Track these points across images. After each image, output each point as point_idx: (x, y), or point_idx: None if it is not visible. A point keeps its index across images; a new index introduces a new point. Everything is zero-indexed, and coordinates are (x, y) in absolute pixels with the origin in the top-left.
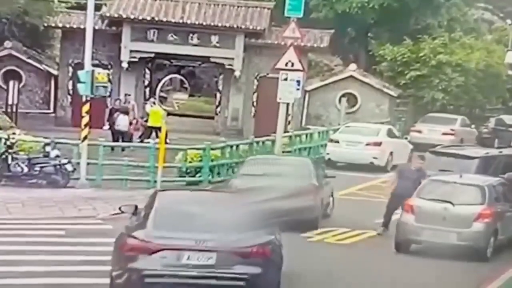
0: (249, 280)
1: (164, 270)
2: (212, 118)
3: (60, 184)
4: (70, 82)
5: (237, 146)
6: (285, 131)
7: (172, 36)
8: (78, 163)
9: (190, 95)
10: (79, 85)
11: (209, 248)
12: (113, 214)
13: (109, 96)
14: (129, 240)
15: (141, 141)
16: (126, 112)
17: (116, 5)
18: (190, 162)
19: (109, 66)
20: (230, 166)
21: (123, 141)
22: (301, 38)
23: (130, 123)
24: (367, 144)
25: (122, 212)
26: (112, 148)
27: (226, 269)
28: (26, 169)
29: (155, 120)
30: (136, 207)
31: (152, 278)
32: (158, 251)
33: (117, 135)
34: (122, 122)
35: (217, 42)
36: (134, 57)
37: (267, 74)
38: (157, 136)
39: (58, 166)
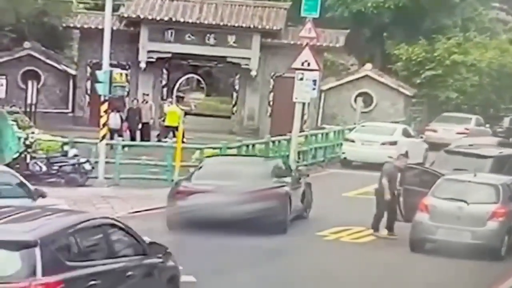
0: (260, 212)
1: (198, 207)
2: (229, 117)
3: (79, 182)
4: (88, 82)
5: (253, 145)
6: (301, 131)
7: (189, 36)
8: (96, 162)
9: (207, 95)
10: (97, 85)
11: (231, 190)
12: (131, 213)
13: (127, 96)
14: (177, 187)
15: (159, 140)
16: (119, 109)
17: (134, 5)
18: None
19: (127, 66)
20: None
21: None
22: (317, 38)
23: (122, 120)
24: (382, 144)
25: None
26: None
27: (243, 205)
28: (44, 168)
29: (172, 120)
30: (191, 173)
31: (191, 213)
32: (195, 193)
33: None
34: (112, 120)
35: (233, 42)
36: (152, 57)
37: (283, 73)
38: (174, 136)
39: (76, 165)
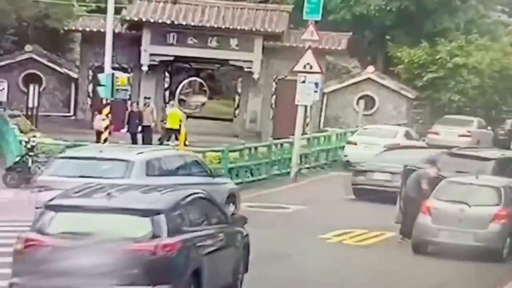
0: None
1: (365, 181)
2: (231, 120)
3: None
4: (90, 85)
5: (256, 148)
6: (303, 133)
7: (191, 39)
8: None
9: (209, 98)
10: (99, 88)
11: (386, 170)
12: None
13: (129, 99)
14: (354, 168)
15: (161, 143)
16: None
17: (136, 8)
18: (209, 164)
19: (129, 70)
20: (248, 168)
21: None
22: (319, 41)
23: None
24: (384, 146)
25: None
26: None
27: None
28: None
29: (174, 122)
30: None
31: (359, 185)
32: (363, 172)
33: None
34: (97, 123)
35: (236, 45)
36: (154, 60)
37: (286, 76)
38: (176, 139)
39: None
